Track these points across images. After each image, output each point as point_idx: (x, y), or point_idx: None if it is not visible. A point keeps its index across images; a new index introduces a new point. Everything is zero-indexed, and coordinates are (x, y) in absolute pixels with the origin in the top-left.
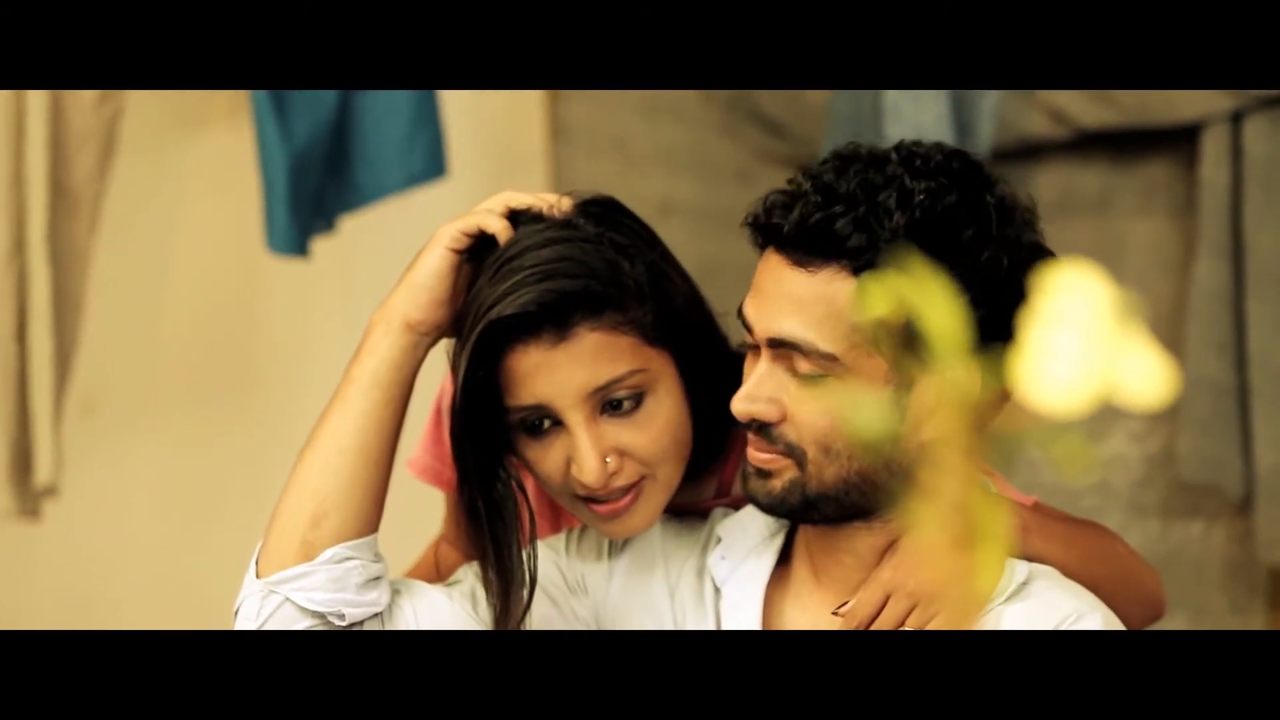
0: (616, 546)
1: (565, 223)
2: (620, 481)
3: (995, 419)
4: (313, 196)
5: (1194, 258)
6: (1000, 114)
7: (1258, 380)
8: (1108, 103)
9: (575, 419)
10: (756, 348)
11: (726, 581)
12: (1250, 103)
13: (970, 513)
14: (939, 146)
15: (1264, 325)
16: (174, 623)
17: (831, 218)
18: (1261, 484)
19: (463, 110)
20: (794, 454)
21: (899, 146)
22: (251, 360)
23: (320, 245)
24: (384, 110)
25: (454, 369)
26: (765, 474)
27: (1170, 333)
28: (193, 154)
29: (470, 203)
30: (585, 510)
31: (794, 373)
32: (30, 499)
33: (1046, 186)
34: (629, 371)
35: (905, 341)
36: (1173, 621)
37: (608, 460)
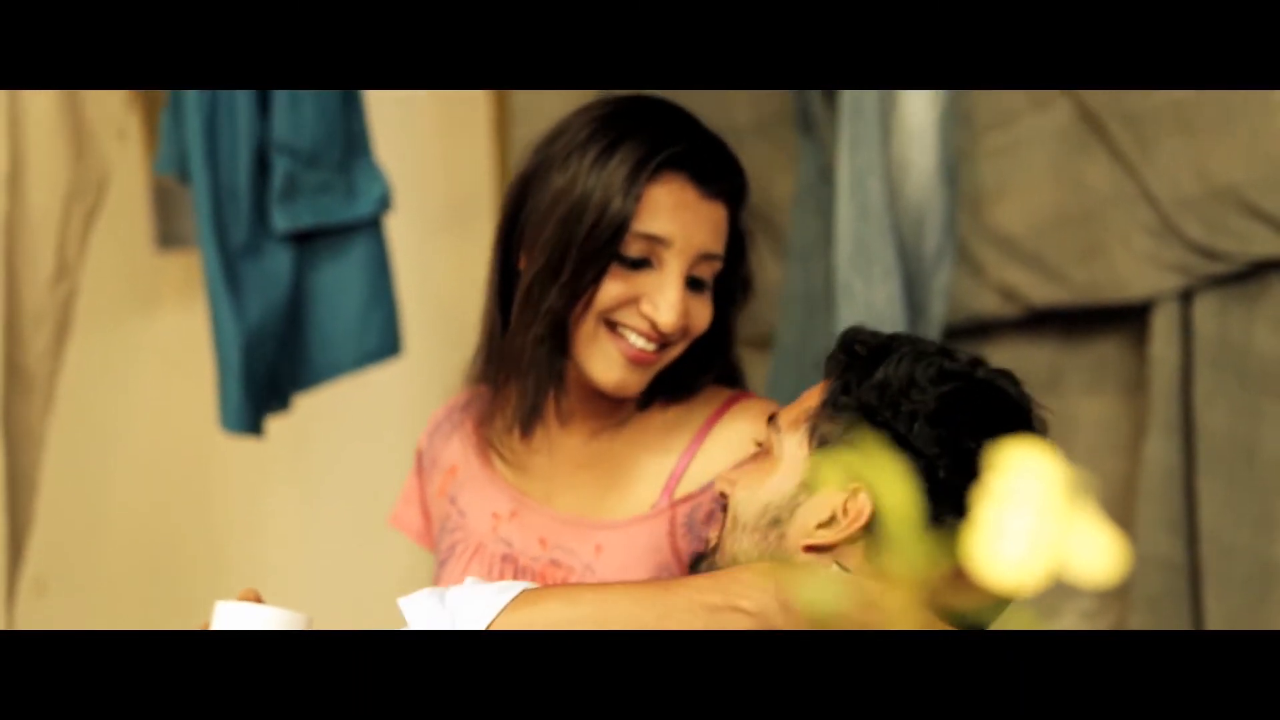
0: None
1: None
2: (669, 340)
3: (947, 595)
4: (267, 375)
5: (1144, 436)
6: (951, 292)
7: (1209, 558)
8: (1058, 281)
9: (676, 268)
10: None
11: None
12: (1199, 282)
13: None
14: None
15: (1215, 503)
16: None
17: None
18: None
19: (416, 288)
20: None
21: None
22: (207, 540)
23: (274, 424)
24: (338, 289)
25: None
26: None
27: (1121, 511)
28: (147, 333)
29: (425, 380)
30: (608, 344)
31: None
32: None
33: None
34: (719, 255)
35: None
36: None
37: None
